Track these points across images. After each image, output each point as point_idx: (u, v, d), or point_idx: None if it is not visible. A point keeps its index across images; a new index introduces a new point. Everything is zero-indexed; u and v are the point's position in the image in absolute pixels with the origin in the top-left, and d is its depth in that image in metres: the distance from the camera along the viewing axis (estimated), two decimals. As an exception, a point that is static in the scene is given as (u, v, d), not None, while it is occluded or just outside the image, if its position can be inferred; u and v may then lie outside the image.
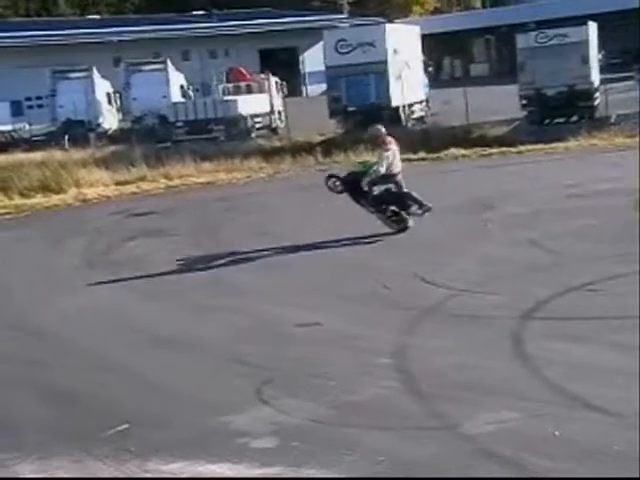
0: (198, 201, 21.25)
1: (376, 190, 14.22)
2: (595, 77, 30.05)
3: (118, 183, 24.58)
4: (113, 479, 6.18)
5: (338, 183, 14.59)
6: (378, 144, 14.52)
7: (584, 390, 6.93)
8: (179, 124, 34.85)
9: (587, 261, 11.39)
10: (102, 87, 39.91)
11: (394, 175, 14.25)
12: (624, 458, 5.74)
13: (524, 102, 29.33)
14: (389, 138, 14.41)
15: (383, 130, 14.54)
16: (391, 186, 14.30)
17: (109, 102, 40.23)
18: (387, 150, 14.09)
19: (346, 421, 6.81)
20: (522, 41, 29.83)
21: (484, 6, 77.88)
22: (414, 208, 14.27)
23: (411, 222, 14.21)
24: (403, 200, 14.26)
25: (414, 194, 14.26)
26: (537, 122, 28.90)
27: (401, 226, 14.22)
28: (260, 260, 13.37)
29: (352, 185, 14.25)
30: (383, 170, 13.95)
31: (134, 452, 6.52)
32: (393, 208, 14.23)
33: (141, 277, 12.97)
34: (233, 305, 10.85)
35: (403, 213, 14.28)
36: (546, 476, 5.63)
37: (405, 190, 14.28)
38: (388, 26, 34.12)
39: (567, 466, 5.73)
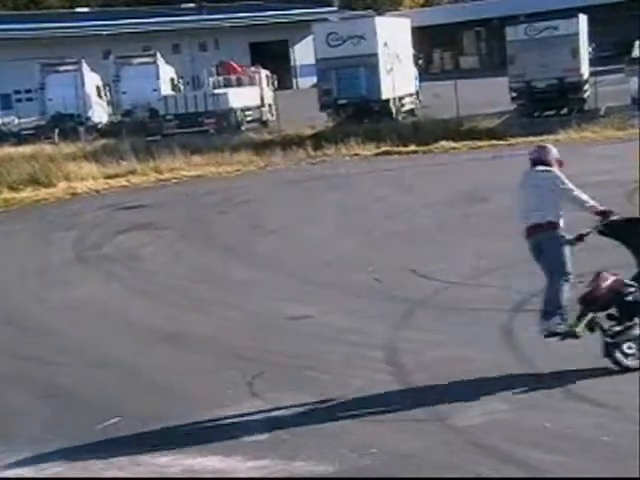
0: (188, 194, 21.17)
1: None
2: (585, 70, 30.07)
3: (108, 177, 24.47)
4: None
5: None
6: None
7: (575, 382, 6.94)
8: (169, 117, 34.72)
9: (579, 253, 11.38)
10: (92, 80, 39.65)
11: None
12: (614, 449, 5.76)
13: (514, 95, 29.32)
14: None
15: None
16: None
17: (99, 95, 39.98)
18: None
19: (337, 413, 6.81)
20: (512, 34, 29.80)
21: (474, -2, 77.83)
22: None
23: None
24: None
25: None
26: (527, 114, 28.90)
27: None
28: (258, 258, 13.35)
29: None
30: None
31: (125, 445, 6.51)
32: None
33: (131, 271, 12.93)
34: (227, 300, 10.84)
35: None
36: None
37: None
38: (378, 19, 34.02)
39: (558, 458, 5.73)
